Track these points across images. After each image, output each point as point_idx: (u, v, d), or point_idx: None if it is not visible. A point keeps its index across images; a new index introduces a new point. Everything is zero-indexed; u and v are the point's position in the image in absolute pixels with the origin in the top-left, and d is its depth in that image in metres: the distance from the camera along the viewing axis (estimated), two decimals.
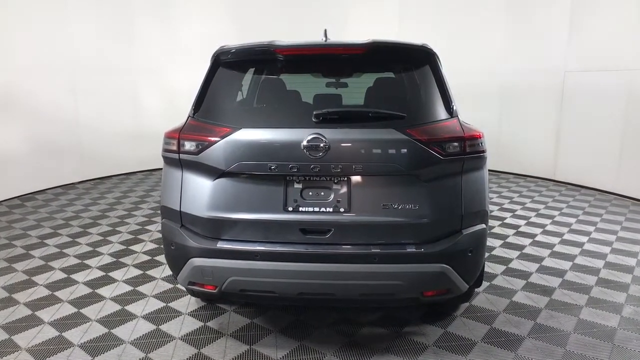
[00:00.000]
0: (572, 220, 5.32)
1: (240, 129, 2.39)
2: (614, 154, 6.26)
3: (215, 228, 2.45)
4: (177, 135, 2.50)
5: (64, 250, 4.40)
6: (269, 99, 2.81)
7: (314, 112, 2.36)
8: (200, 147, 2.43)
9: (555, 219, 5.37)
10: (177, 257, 2.54)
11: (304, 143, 2.30)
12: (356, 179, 2.39)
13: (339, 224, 2.37)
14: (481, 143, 2.45)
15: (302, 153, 2.31)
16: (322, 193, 2.41)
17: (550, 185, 7.03)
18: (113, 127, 7.56)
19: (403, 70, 2.64)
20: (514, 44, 7.34)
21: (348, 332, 2.91)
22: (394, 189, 2.38)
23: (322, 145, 2.30)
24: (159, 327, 3.00)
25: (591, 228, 5.02)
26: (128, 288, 3.58)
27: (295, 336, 2.88)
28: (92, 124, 7.29)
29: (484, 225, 2.51)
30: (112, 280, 3.73)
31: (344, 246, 2.38)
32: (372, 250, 2.34)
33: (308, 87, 3.22)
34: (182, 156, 2.48)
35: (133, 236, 4.80)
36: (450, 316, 3.10)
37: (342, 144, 2.32)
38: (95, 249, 4.42)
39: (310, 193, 2.41)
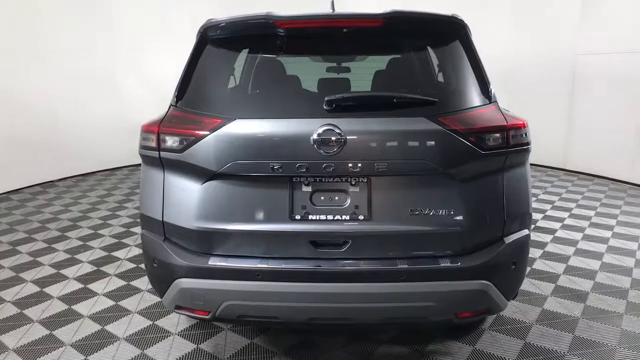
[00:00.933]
0: (591, 212, 4.97)
1: (234, 120, 1.95)
2: (630, 141, 5.90)
3: (205, 242, 2.02)
4: (156, 129, 2.06)
5: (38, 259, 3.94)
6: (267, 84, 2.36)
7: (326, 98, 1.92)
8: (184, 143, 1.98)
9: (573, 211, 5.01)
10: (161, 277, 2.12)
11: (314, 137, 1.87)
12: (378, 179, 1.97)
13: (358, 234, 1.96)
14: (525, 134, 2.03)
15: (311, 149, 1.87)
16: (337, 198, 1.98)
17: (561, 175, 6.67)
18: (95, 119, 7.04)
19: (429, 47, 2.20)
20: (522, 25, 6.91)
21: (362, 353, 2.52)
22: (423, 192, 1.97)
23: (336, 139, 1.87)
24: (144, 351, 2.58)
25: (612, 221, 4.67)
26: (109, 303, 3.15)
27: (302, 359, 2.47)
28: (72, 116, 6.75)
29: (527, 231, 2.12)
30: (91, 294, 3.29)
31: (363, 262, 1.97)
32: (399, 266, 1.93)
33: (311, 70, 2.77)
34: (164, 154, 2.04)
35: (116, 240, 4.35)
36: (477, 330, 2.72)
37: (361, 137, 1.90)
38: (74, 256, 3.97)
39: (322, 198, 1.98)
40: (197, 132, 1.98)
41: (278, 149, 1.92)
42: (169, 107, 2.18)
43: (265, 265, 1.96)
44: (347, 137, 1.88)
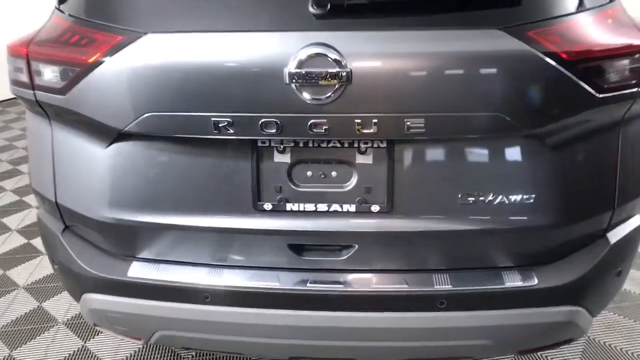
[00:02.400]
0: None
1: (145, 35, 1.07)
2: None
3: (123, 239, 1.26)
4: (24, 51, 1.18)
5: None
6: None
7: None
8: (68, 76, 1.12)
9: None
10: (66, 285, 1.39)
11: (292, 67, 1.01)
12: (407, 145, 1.13)
13: (369, 235, 1.17)
14: None
15: (287, 91, 1.03)
16: (335, 174, 1.16)
17: None
18: None
19: None
20: None
21: None
22: (487, 166, 1.14)
23: (332, 71, 1.00)
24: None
25: None
26: None
27: None
28: None
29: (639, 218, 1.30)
30: None
31: (377, 278, 1.20)
32: (436, 287, 1.17)
33: None
34: (41, 96, 1.19)
35: None
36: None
37: (378, 68, 1.03)
38: None
39: (310, 174, 1.16)
40: (83, 57, 1.10)
41: (226, 91, 1.06)
42: (52, 12, 1.28)
43: (217, 282, 1.20)
44: (353, 68, 1.01)
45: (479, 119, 1.05)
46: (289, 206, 1.17)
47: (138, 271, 1.25)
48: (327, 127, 1.05)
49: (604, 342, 1.89)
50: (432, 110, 1.04)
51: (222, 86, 1.05)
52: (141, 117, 1.09)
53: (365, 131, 1.05)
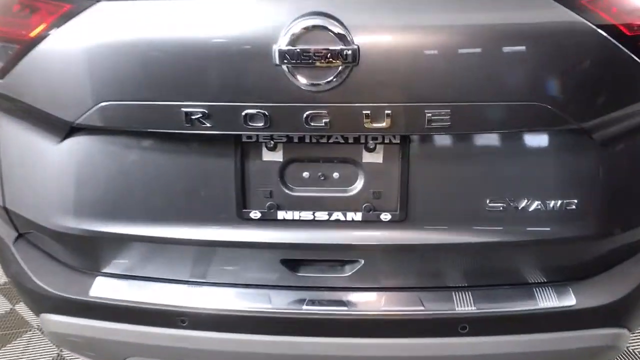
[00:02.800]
0: None
1: (99, 1, 0.85)
2: None
3: (85, 251, 1.07)
4: None
5: None
6: None
7: None
8: (5, 55, 0.91)
9: None
10: (23, 301, 1.19)
11: (282, 44, 0.79)
12: (425, 142, 0.92)
13: (379, 248, 0.98)
14: None
15: (276, 73, 0.81)
16: (337, 175, 0.95)
17: None
18: None
19: None
20: None
21: None
22: (521, 166, 0.94)
23: (336, 48, 0.78)
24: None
25: None
26: None
27: None
28: None
29: None
30: None
31: (387, 299, 1.01)
32: (458, 310, 0.98)
33: None
34: None
35: None
36: None
37: (395, 45, 0.81)
38: None
39: (306, 175, 0.96)
40: (22, 31, 0.88)
41: (200, 75, 0.85)
42: None
43: (196, 303, 1.01)
44: (361, 45, 0.80)
45: (517, 109, 0.85)
46: (281, 214, 0.96)
47: (102, 289, 1.05)
48: (327, 119, 0.84)
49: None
50: (459, 98, 0.83)
51: (195, 68, 0.84)
52: (96, 107, 0.88)
53: (375, 125, 0.84)
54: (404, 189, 0.93)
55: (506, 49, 0.82)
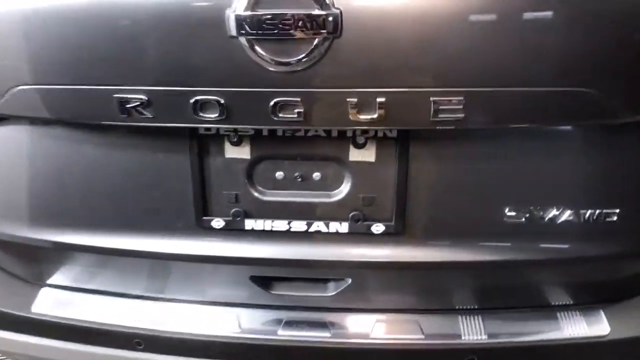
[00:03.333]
0: None
1: None
2: None
3: (24, 260, 0.90)
4: None
5: None
6: None
7: None
8: None
9: None
10: None
11: (240, 10, 0.59)
12: (430, 136, 0.71)
13: (369, 265, 0.79)
14: None
15: (233, 49, 0.61)
16: (317, 175, 0.76)
17: None
18: None
19: None
20: None
21: None
22: (551, 168, 0.73)
23: (311, 13, 0.58)
24: None
25: None
26: None
27: None
28: None
29: None
30: None
31: (377, 322, 0.83)
32: (464, 339, 0.80)
33: None
34: None
35: None
36: None
37: (390, 10, 0.60)
38: None
39: (280, 175, 0.76)
40: None
41: (134, 52, 0.65)
42: None
43: (153, 323, 0.85)
44: (344, 9, 0.59)
45: (554, 97, 0.64)
46: (249, 224, 0.78)
47: (46, 304, 0.89)
48: (300, 109, 0.64)
49: None
50: (477, 82, 0.63)
51: (128, 42, 0.64)
52: (9, 93, 0.69)
53: (363, 117, 0.65)
54: (401, 195, 0.74)
55: (542, 14, 0.61)
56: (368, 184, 0.75)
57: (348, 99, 0.63)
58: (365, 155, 0.74)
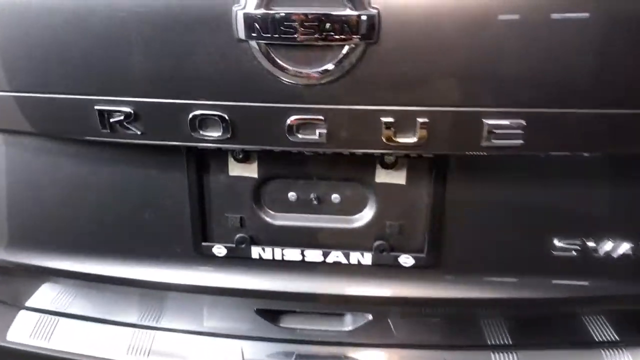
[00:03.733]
0: None
1: None
2: None
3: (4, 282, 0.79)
4: None
5: None
6: None
7: None
8: None
9: None
10: None
11: (251, 8, 0.46)
12: (473, 158, 0.59)
13: (396, 302, 0.68)
14: None
15: (241, 57, 0.48)
16: (336, 197, 0.64)
17: None
18: None
19: None
20: None
21: None
22: (607, 195, 0.62)
23: (341, 14, 0.45)
24: None
25: None
26: None
27: None
28: None
29: None
30: None
31: (403, 359, 0.73)
32: None
33: None
34: None
35: None
36: None
37: (436, 13, 0.47)
38: None
39: (293, 196, 0.65)
40: None
41: (122, 56, 0.52)
42: None
43: (146, 355, 0.75)
44: (383, 11, 0.46)
45: (632, 121, 0.52)
46: (255, 251, 0.67)
47: (22, 332, 0.79)
48: (323, 130, 0.53)
49: None
50: (540, 102, 0.51)
51: (110, 44, 0.52)
52: None
53: (400, 140, 0.53)
54: (435, 223, 0.63)
55: (629, 20, 0.48)
56: (396, 209, 0.64)
57: (383, 119, 0.52)
58: (395, 176, 0.63)
